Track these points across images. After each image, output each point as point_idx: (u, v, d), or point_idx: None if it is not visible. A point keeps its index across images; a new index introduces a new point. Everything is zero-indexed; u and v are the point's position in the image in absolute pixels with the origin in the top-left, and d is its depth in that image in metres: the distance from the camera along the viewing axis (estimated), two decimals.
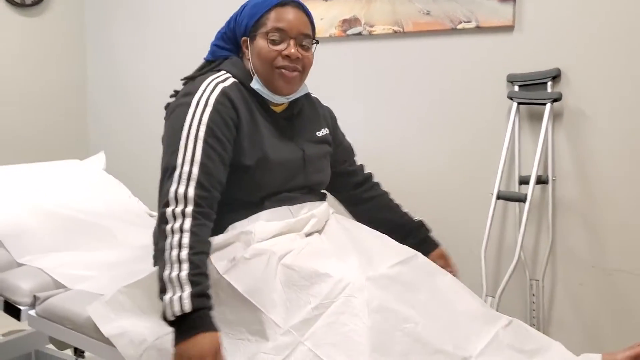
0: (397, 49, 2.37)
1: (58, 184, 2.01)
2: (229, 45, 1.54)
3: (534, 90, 2.09)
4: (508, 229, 2.23)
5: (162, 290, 1.22)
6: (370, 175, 1.77)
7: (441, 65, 2.29)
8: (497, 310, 1.55)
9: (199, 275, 1.24)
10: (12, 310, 1.60)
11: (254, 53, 1.46)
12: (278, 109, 1.53)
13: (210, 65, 1.53)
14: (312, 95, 1.67)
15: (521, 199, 2.02)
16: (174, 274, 1.21)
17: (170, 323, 1.21)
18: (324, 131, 1.63)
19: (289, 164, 1.48)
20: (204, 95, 1.39)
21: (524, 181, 2.10)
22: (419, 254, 1.46)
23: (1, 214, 1.79)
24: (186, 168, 1.31)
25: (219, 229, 1.40)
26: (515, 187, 2.15)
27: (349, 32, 2.45)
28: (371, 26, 2.39)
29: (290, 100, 1.53)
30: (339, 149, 1.71)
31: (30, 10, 3.06)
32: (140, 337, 1.34)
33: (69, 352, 2.12)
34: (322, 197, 1.62)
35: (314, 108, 1.65)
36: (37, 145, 3.11)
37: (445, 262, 1.66)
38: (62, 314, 1.50)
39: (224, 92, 1.40)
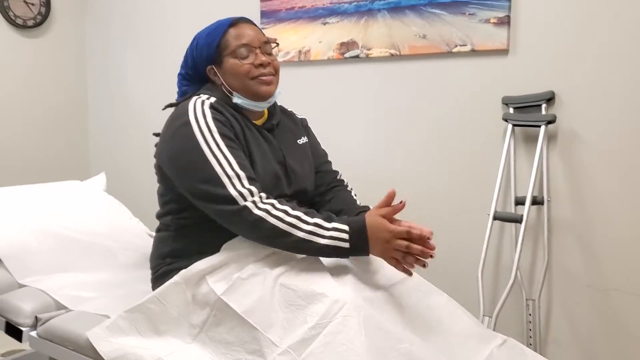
0: (393, 72, 2.41)
1: (59, 205, 2.02)
2: (193, 83, 1.60)
3: (529, 113, 2.13)
4: (504, 249, 2.25)
5: (317, 239, 1.32)
6: (338, 183, 1.72)
7: (437, 87, 2.33)
8: (494, 330, 1.57)
9: (314, 212, 1.38)
10: (14, 332, 1.62)
11: (226, 74, 1.52)
12: (259, 122, 1.58)
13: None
14: (288, 109, 1.73)
15: (517, 220, 2.04)
16: (307, 227, 1.34)
17: (349, 250, 1.33)
18: (304, 139, 1.69)
19: (274, 171, 1.52)
20: (197, 110, 1.44)
21: (519, 202, 2.13)
22: (415, 274, 1.48)
23: (3, 235, 1.81)
24: (230, 172, 1.37)
25: (210, 246, 1.43)
26: (511, 208, 2.18)
27: (347, 54, 2.49)
28: (368, 49, 2.44)
29: (270, 103, 1.58)
30: (312, 152, 1.74)
31: (31, 32, 3.11)
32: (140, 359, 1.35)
33: None
34: (308, 207, 1.64)
35: (292, 119, 1.72)
36: (38, 166, 3.13)
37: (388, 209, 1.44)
38: (63, 335, 1.52)
39: (212, 106, 1.46)
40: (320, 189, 1.68)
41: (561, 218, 2.13)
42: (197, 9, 2.91)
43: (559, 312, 2.17)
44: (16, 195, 2.03)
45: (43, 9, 3.11)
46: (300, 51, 2.56)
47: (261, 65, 1.51)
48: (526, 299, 2.18)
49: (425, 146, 2.37)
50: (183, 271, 1.41)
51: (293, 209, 1.37)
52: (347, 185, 1.72)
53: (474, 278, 2.09)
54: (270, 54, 1.55)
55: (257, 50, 1.52)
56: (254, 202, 1.35)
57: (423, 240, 1.34)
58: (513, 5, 2.13)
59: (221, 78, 1.53)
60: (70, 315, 1.58)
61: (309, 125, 1.78)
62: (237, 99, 1.52)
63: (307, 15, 2.57)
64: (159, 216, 1.59)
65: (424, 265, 1.34)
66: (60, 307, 1.63)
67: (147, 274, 1.64)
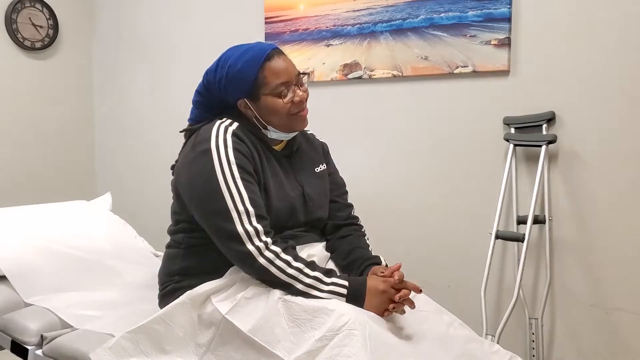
0: (396, 93, 2.44)
1: (65, 224, 2.05)
2: (210, 110, 1.56)
3: (530, 133, 2.15)
4: (507, 268, 2.26)
5: (316, 292, 1.36)
6: (354, 220, 1.72)
7: (439, 108, 2.35)
8: None
9: (315, 264, 1.41)
10: (19, 350, 1.63)
11: (262, 110, 1.51)
12: (278, 148, 1.59)
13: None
14: (308, 131, 1.72)
15: (519, 239, 2.06)
16: (307, 280, 1.37)
17: (347, 300, 1.36)
18: (322, 167, 1.69)
19: (290, 200, 1.53)
20: (220, 138, 1.45)
21: (521, 221, 2.14)
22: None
23: (10, 254, 1.83)
24: (240, 207, 1.39)
25: (219, 266, 1.45)
26: (513, 227, 2.19)
27: (350, 76, 2.53)
28: (371, 70, 2.47)
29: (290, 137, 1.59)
30: (330, 179, 1.73)
31: (40, 54, 3.16)
32: None
33: None
34: (322, 235, 1.65)
35: (311, 144, 1.71)
36: (46, 186, 3.17)
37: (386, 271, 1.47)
38: (68, 353, 1.53)
39: (235, 133, 1.47)
40: (335, 221, 1.68)
41: (563, 237, 2.14)
42: (204, 31, 2.96)
43: (561, 331, 2.17)
44: (23, 215, 2.05)
45: (51, 32, 3.17)
46: (306, 70, 2.59)
47: (300, 101, 1.52)
48: (529, 318, 2.18)
49: (427, 166, 2.39)
50: (189, 292, 1.43)
51: (295, 259, 1.39)
52: (362, 227, 1.72)
53: (477, 297, 2.10)
54: (302, 85, 1.55)
55: (294, 87, 1.51)
56: (258, 249, 1.37)
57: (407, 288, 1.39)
58: (513, 28, 2.16)
59: (255, 112, 1.52)
60: (75, 334, 1.59)
61: (330, 150, 1.77)
62: (273, 134, 1.54)
63: (311, 38, 2.61)
64: (170, 232, 1.61)
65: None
66: (65, 325, 1.65)
67: (153, 293, 1.65)
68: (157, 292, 1.62)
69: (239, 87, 1.49)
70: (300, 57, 2.62)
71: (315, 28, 2.59)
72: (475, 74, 2.25)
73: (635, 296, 2.03)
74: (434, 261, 2.38)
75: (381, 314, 1.35)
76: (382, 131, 2.49)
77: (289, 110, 1.50)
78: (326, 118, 2.56)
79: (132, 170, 3.28)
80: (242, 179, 1.41)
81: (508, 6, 2.15)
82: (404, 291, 1.36)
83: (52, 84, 3.23)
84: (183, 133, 1.59)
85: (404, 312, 1.37)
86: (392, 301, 1.35)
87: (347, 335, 1.22)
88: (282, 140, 1.60)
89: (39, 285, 1.78)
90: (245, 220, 1.38)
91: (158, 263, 1.69)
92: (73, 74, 3.32)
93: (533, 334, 2.17)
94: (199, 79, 1.57)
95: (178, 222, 1.57)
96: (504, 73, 2.20)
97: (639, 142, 1.99)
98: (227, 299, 1.38)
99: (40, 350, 1.59)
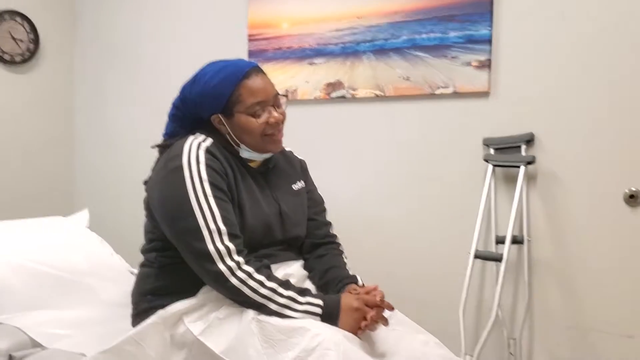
0: (378, 112, 2.45)
1: (40, 241, 2.02)
2: (185, 125, 1.55)
3: (509, 153, 2.16)
4: (486, 287, 2.26)
5: (290, 312, 1.34)
6: (332, 238, 1.70)
7: (420, 128, 2.37)
8: None
9: (289, 284, 1.40)
10: None
11: (235, 128, 1.49)
12: (254, 165, 1.57)
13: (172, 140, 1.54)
14: (287, 148, 1.71)
15: (497, 259, 2.06)
16: (281, 300, 1.35)
17: (322, 319, 1.35)
18: (300, 184, 1.67)
19: (266, 218, 1.52)
20: (192, 154, 1.43)
21: (500, 241, 2.15)
22: (396, 311, 1.48)
23: None
24: (212, 226, 1.37)
25: (192, 286, 1.43)
26: (492, 247, 2.19)
27: (333, 94, 2.53)
28: (354, 90, 2.48)
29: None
30: (308, 197, 1.72)
31: (19, 68, 3.13)
32: None
33: None
34: (299, 254, 1.64)
35: (289, 161, 1.69)
36: (23, 201, 3.12)
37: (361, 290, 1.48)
38: None
39: (208, 150, 1.45)
40: (313, 239, 1.66)
41: (541, 257, 2.15)
42: (187, 48, 2.95)
43: (540, 352, 2.17)
44: None
45: (31, 46, 3.15)
46: (287, 90, 2.60)
47: (275, 123, 1.50)
48: (508, 338, 2.18)
49: (407, 185, 2.40)
50: (160, 311, 1.40)
51: (269, 278, 1.37)
52: (339, 245, 1.70)
53: (456, 316, 2.10)
54: (280, 107, 1.53)
55: (271, 108, 1.50)
56: (230, 269, 1.35)
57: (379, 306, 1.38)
58: (494, 49, 2.19)
59: (228, 128, 1.50)
60: (45, 354, 1.56)
61: (308, 168, 1.76)
62: (245, 153, 1.52)
63: (294, 56, 2.62)
64: (143, 251, 1.59)
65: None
66: (36, 345, 1.61)
67: (127, 311, 1.62)
68: (130, 311, 1.59)
69: (214, 103, 1.48)
70: (283, 75, 2.62)
71: (299, 46, 2.60)
72: (456, 94, 2.27)
73: (613, 317, 2.04)
74: (413, 280, 2.37)
75: (355, 332, 1.33)
76: (363, 150, 2.50)
77: (263, 131, 1.49)
78: (308, 136, 2.56)
79: (111, 187, 3.25)
80: (215, 196, 1.39)
81: (489, 28, 2.18)
82: (376, 309, 1.35)
83: (32, 98, 3.20)
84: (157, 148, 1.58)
85: (376, 329, 1.36)
86: (365, 319, 1.34)
87: (322, 355, 1.21)
88: None
89: (9, 303, 1.74)
90: (216, 239, 1.36)
91: (133, 281, 1.67)
92: (53, 88, 3.29)
93: (511, 354, 2.16)
94: None
95: (151, 240, 1.55)
96: (484, 94, 2.22)
97: (617, 164, 2.01)
98: (200, 319, 1.36)
99: None
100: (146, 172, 1.60)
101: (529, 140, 2.14)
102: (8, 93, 3.10)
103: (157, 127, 1.73)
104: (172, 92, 1.61)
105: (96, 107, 3.32)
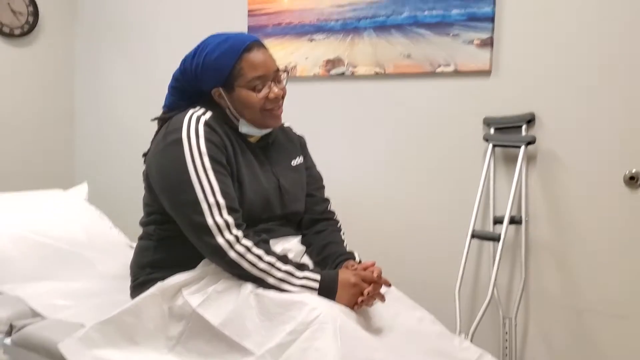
0: (378, 90, 2.44)
1: (40, 213, 2.03)
2: (185, 98, 1.54)
3: (509, 133, 2.16)
4: (482, 267, 2.27)
5: (288, 287, 1.35)
6: (330, 215, 1.71)
7: (420, 106, 2.36)
8: None
9: (287, 258, 1.40)
10: None
11: (235, 102, 1.49)
12: (253, 139, 1.57)
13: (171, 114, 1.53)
14: (285, 124, 1.71)
15: (495, 239, 2.07)
16: (279, 274, 1.36)
17: (319, 293, 1.36)
18: (299, 160, 1.67)
19: (265, 193, 1.52)
20: (191, 127, 1.43)
21: (498, 221, 2.15)
22: (393, 288, 1.49)
23: None
24: (211, 199, 1.37)
25: (190, 259, 1.44)
26: (489, 227, 2.20)
27: (333, 72, 2.52)
28: (354, 67, 2.47)
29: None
30: (306, 173, 1.72)
31: (19, 41, 3.11)
32: None
33: None
34: (297, 229, 1.65)
35: (288, 137, 1.69)
36: (23, 174, 3.12)
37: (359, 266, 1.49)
38: (38, 342, 1.51)
39: (207, 123, 1.45)
40: (311, 215, 1.67)
41: (538, 238, 2.15)
42: (187, 21, 2.93)
43: (535, 331, 2.19)
44: None
45: (31, 18, 3.12)
46: (286, 67, 2.59)
47: (275, 98, 1.50)
48: (503, 317, 2.20)
49: (405, 163, 2.40)
50: (159, 284, 1.42)
51: (267, 252, 1.38)
52: (338, 222, 1.71)
53: (452, 295, 2.11)
54: (280, 82, 1.53)
55: (271, 83, 1.49)
56: (228, 243, 1.36)
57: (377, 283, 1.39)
58: (496, 28, 2.17)
59: (228, 102, 1.50)
60: (45, 323, 1.57)
61: (308, 145, 1.75)
62: (243, 127, 1.52)
63: (294, 32, 2.60)
64: (142, 224, 1.59)
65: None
66: (35, 315, 1.63)
67: (126, 284, 1.64)
68: (129, 283, 1.60)
69: (214, 76, 1.48)
70: (283, 51, 2.60)
71: (299, 22, 2.58)
72: (457, 73, 2.26)
73: (608, 298, 2.05)
74: (410, 259, 2.38)
75: (352, 307, 1.35)
76: (362, 128, 2.49)
77: (263, 106, 1.49)
78: (307, 113, 2.55)
79: (111, 161, 3.25)
80: (214, 170, 1.39)
81: (491, 6, 2.16)
82: (373, 285, 1.36)
83: (31, 71, 3.18)
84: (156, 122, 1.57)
85: (373, 304, 1.37)
86: (362, 295, 1.35)
87: (318, 329, 1.23)
88: None
89: (9, 274, 1.76)
90: (215, 212, 1.37)
91: (132, 254, 1.68)
92: (53, 62, 3.27)
93: (507, 333, 2.18)
94: None
95: (150, 213, 1.55)
96: (486, 73, 2.21)
97: (618, 146, 2.01)
98: (198, 292, 1.37)
99: (9, 339, 1.58)
100: (145, 146, 1.60)
101: (530, 120, 2.13)
102: (7, 66, 3.08)
103: (156, 101, 1.73)
104: (171, 67, 1.61)
105: (97, 81, 3.31)
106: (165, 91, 1.62)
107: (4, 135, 3.09)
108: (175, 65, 1.59)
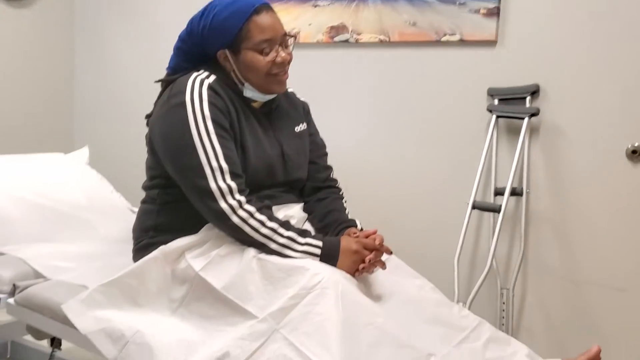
0: (382, 58, 2.42)
1: (41, 175, 2.02)
2: (190, 60, 1.52)
3: (513, 105, 2.15)
4: (482, 238, 2.28)
5: (290, 252, 1.36)
6: (332, 183, 1.71)
7: (424, 75, 2.34)
8: None
9: (289, 224, 1.40)
10: None
11: (241, 65, 1.48)
12: (257, 105, 1.56)
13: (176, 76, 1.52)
14: (289, 89, 1.69)
15: (495, 210, 2.07)
16: (281, 240, 1.36)
17: (320, 259, 1.36)
18: (302, 126, 1.66)
19: (268, 159, 1.52)
20: (195, 90, 1.41)
21: (499, 192, 2.16)
22: (393, 256, 1.50)
23: None
24: (214, 164, 1.37)
25: (193, 223, 1.44)
26: (490, 198, 2.21)
27: (336, 39, 2.49)
28: (358, 34, 2.44)
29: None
30: (309, 140, 1.71)
31: (19, 2, 3.06)
32: (118, 332, 1.36)
33: (45, 343, 2.12)
34: (300, 196, 1.65)
35: (292, 103, 1.68)
36: (22, 137, 3.10)
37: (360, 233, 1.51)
38: (41, 303, 1.52)
39: (210, 87, 1.44)
40: (314, 183, 1.67)
41: (539, 210, 2.16)
42: None
43: (532, 302, 2.21)
44: None
45: None
46: (294, 32, 2.55)
47: (282, 63, 1.48)
48: (500, 288, 2.22)
49: (408, 132, 2.39)
50: (162, 247, 1.42)
51: (270, 219, 1.38)
52: (340, 190, 1.71)
53: (451, 265, 2.13)
54: (287, 47, 1.51)
55: (279, 47, 1.47)
56: (231, 208, 1.36)
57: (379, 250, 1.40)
58: None
59: (233, 65, 1.48)
60: (48, 284, 1.58)
61: (311, 112, 1.74)
62: (248, 92, 1.50)
63: None
64: (145, 188, 1.59)
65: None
66: (38, 276, 1.64)
67: (127, 247, 1.64)
68: (132, 246, 1.61)
69: (221, 37, 1.46)
70: (287, 16, 2.57)
71: None
72: (462, 42, 2.23)
73: (605, 270, 2.07)
74: (410, 228, 2.39)
75: (352, 274, 1.36)
76: (364, 96, 2.48)
77: (269, 70, 1.47)
78: (309, 80, 2.53)
79: (111, 125, 3.23)
80: (217, 134, 1.39)
81: None
82: (375, 252, 1.37)
83: (32, 33, 3.14)
84: (159, 83, 1.56)
85: (373, 272, 1.38)
86: (363, 261, 1.36)
87: (320, 294, 1.23)
88: None
89: (12, 235, 1.76)
90: (218, 177, 1.37)
91: (133, 218, 1.68)
92: (54, 24, 3.23)
93: (504, 303, 2.21)
94: None
95: (153, 177, 1.55)
96: (491, 43, 2.19)
97: (621, 119, 2.00)
98: (201, 256, 1.38)
99: (12, 299, 1.59)
100: (146, 109, 1.59)
101: (534, 92, 2.12)
102: (7, 28, 3.04)
103: (157, 64, 1.71)
104: (175, 28, 1.59)
105: (97, 43, 3.27)
106: (169, 52, 1.60)
107: (2, 97, 3.06)
108: (179, 25, 1.57)
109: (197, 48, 1.51)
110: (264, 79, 1.48)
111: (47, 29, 3.21)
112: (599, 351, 1.36)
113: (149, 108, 1.58)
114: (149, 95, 1.61)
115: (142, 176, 1.62)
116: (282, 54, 1.48)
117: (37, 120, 3.21)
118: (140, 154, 1.62)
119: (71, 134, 3.37)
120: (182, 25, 1.55)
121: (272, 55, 1.47)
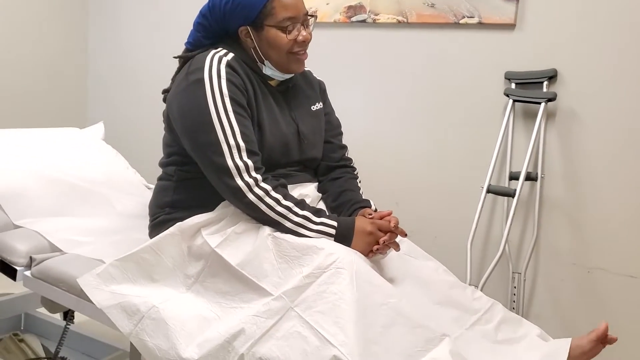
0: (399, 39, 2.40)
1: (57, 150, 2.02)
2: (210, 35, 1.52)
3: (530, 89, 2.13)
4: (495, 222, 2.28)
5: (304, 231, 1.37)
6: (347, 162, 1.71)
7: (442, 58, 2.32)
8: None
9: (305, 203, 1.41)
10: (8, 270, 1.63)
11: (262, 42, 1.48)
12: (274, 83, 1.56)
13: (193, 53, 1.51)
14: (306, 68, 1.69)
15: (510, 194, 2.07)
16: (296, 219, 1.37)
17: (335, 239, 1.37)
18: (318, 105, 1.66)
19: (284, 138, 1.52)
20: (213, 68, 1.41)
21: (514, 177, 2.15)
22: (407, 239, 1.50)
23: (0, 176, 1.81)
24: (232, 141, 1.37)
25: (210, 200, 1.44)
26: (505, 182, 2.20)
27: (354, 19, 2.47)
28: (376, 14, 2.42)
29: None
30: (325, 119, 1.71)
31: None
32: (134, 307, 1.37)
33: (58, 316, 2.15)
34: (314, 175, 1.65)
35: (308, 81, 1.67)
36: (37, 111, 3.12)
37: (375, 215, 1.49)
38: (57, 276, 1.53)
39: (229, 64, 1.44)
40: (328, 162, 1.67)
41: (553, 195, 2.16)
42: None
43: (543, 287, 2.22)
44: (15, 138, 2.02)
45: None
46: (314, 11, 2.54)
47: (303, 42, 1.49)
48: (512, 272, 2.22)
49: (424, 115, 2.38)
50: (179, 223, 1.43)
51: (285, 197, 1.39)
52: (355, 169, 1.71)
53: (463, 248, 2.13)
54: (308, 27, 1.51)
55: (300, 26, 1.48)
56: (248, 185, 1.36)
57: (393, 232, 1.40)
58: None
59: (255, 42, 1.48)
60: (64, 258, 1.59)
61: (327, 90, 1.74)
62: (268, 70, 1.50)
63: None
64: (162, 165, 1.60)
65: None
66: (54, 249, 1.65)
67: (143, 222, 1.65)
68: (147, 222, 1.62)
69: (244, 13, 1.45)
70: None
71: None
72: (481, 25, 2.21)
73: (616, 257, 2.07)
74: (424, 211, 2.40)
75: (366, 254, 1.36)
76: (381, 77, 2.46)
77: (290, 48, 1.47)
78: (326, 60, 2.52)
79: (126, 100, 3.24)
80: (235, 112, 1.39)
81: None
82: (389, 234, 1.37)
83: (45, 7, 3.13)
84: (177, 59, 1.56)
85: (387, 254, 1.39)
86: (377, 243, 1.36)
87: (335, 273, 1.24)
88: None
89: (28, 208, 1.76)
90: (235, 154, 1.37)
91: (149, 195, 1.69)
92: None
93: (515, 287, 2.21)
94: (199, 7, 1.53)
95: (170, 154, 1.55)
96: (510, 27, 2.17)
97: (638, 107, 1.98)
98: (217, 233, 1.39)
99: (29, 272, 1.60)
100: (161, 85, 1.59)
101: (552, 77, 2.11)
102: (21, 4, 3.03)
103: (173, 40, 1.70)
104: (190, 4, 1.58)
105: (111, 17, 3.26)
106: (185, 27, 1.59)
107: (16, 72, 3.07)
108: (195, 1, 1.56)
109: (218, 24, 1.50)
110: (285, 57, 1.48)
111: (61, 4, 3.20)
112: (607, 328, 1.37)
113: (162, 84, 1.58)
114: (162, 70, 1.61)
115: (154, 152, 1.62)
116: (304, 32, 1.48)
117: (50, 95, 3.21)
118: (152, 130, 1.63)
119: (84, 109, 3.37)
120: (197, 2, 1.54)
121: (294, 33, 1.47)
